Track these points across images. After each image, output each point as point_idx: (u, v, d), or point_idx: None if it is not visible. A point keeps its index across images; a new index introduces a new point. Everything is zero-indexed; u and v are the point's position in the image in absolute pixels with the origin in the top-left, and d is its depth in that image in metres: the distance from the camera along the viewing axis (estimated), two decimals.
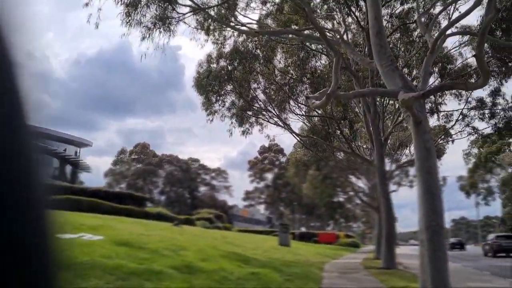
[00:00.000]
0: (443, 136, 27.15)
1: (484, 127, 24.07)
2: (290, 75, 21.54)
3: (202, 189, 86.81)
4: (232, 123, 21.05)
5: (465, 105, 22.35)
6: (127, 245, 9.68)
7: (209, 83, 18.24)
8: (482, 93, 22.13)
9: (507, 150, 42.96)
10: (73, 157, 43.71)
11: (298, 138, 22.50)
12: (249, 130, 22.73)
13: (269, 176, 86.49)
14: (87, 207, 18.86)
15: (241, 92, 19.26)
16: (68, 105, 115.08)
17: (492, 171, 47.67)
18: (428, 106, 25.59)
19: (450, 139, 24.46)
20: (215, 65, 19.59)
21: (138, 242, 10.53)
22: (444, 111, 24.65)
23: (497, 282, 12.92)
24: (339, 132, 19.77)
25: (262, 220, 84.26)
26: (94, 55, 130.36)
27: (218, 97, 19.36)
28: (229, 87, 19.41)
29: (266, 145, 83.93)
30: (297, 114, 21.70)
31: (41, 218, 0.71)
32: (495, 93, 21.63)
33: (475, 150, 50.17)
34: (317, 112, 21.07)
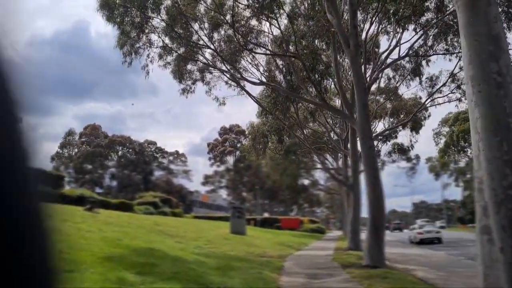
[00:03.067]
0: (421, 107, 23.31)
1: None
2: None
3: (159, 173, 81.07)
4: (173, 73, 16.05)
5: (458, 61, 18.17)
6: None
7: (123, 5, 13.08)
8: None
9: None
10: None
11: (254, 99, 17.83)
12: (191, 88, 17.84)
13: (230, 159, 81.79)
14: None
15: (176, 31, 14.20)
16: (21, 88, 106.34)
17: (465, 151, 44.94)
18: (409, 66, 21.65)
19: (435, 104, 20.42)
20: None
21: None
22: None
23: None
24: (306, 76, 15.07)
25: (224, 206, 79.74)
26: (50, 36, 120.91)
27: (140, 33, 14.21)
28: (157, 20, 14.29)
29: (227, 125, 79.00)
30: (254, 66, 16.92)
31: None
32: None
33: (445, 129, 47.47)
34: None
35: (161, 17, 13.93)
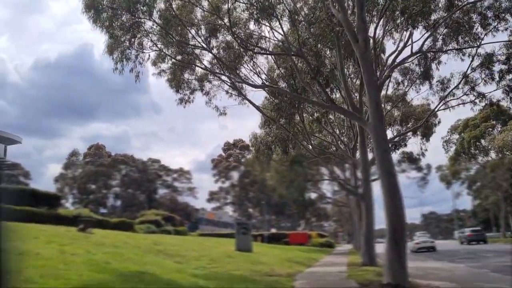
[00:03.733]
0: (431, 113, 22.21)
1: (490, 90, 18.81)
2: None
3: (163, 191, 79.94)
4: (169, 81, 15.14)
5: (472, 61, 17.04)
6: None
7: (111, 7, 12.22)
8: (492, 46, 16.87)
9: (494, 133, 38.87)
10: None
11: (256, 106, 16.82)
12: (189, 98, 16.91)
13: (235, 175, 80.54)
14: None
15: (171, 33, 13.30)
16: (25, 111, 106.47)
17: (476, 158, 43.58)
18: (418, 70, 20.65)
19: (448, 107, 19.25)
20: None
21: None
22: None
23: None
24: (312, 76, 13.95)
25: (230, 223, 78.24)
26: (53, 60, 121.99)
27: (131, 38, 13.31)
28: (149, 24, 13.41)
29: (231, 141, 78.05)
30: (255, 73, 15.98)
31: None
32: None
33: (455, 136, 46.18)
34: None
35: (154, 20, 13.09)
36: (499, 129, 39.67)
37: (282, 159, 21.54)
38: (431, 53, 18.22)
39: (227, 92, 17.98)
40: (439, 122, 27.87)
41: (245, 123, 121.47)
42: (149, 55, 14.46)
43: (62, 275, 6.11)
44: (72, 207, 79.02)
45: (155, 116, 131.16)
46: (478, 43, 16.29)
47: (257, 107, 17.45)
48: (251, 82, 15.63)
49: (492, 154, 42.02)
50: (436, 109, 18.82)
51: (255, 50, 15.47)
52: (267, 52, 15.54)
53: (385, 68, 15.25)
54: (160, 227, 28.20)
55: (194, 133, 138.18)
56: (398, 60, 15.56)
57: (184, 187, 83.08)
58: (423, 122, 20.58)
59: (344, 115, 18.80)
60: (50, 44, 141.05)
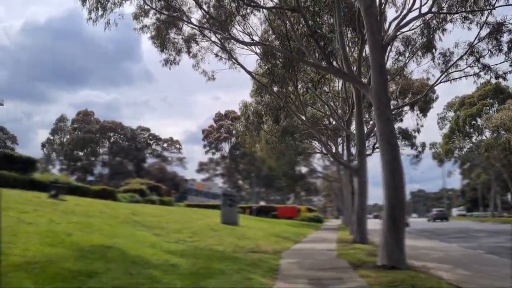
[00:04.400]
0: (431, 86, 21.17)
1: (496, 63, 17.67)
2: None
3: (152, 160, 78.87)
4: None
5: (480, 30, 15.83)
6: None
7: None
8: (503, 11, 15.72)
9: (491, 112, 38.02)
10: None
11: (247, 70, 15.62)
12: (175, 59, 15.63)
13: (226, 146, 79.59)
14: None
15: None
16: (14, 74, 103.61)
17: (470, 137, 42.90)
18: (420, 41, 19.45)
19: (449, 80, 18.19)
20: None
21: None
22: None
23: None
24: (308, 33, 12.66)
25: (219, 194, 77.78)
26: (43, 23, 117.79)
27: None
28: None
29: (222, 112, 76.63)
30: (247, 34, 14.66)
31: None
32: None
33: (451, 114, 45.36)
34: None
35: None
36: (495, 108, 38.87)
37: (273, 130, 20.47)
38: (437, 20, 17.04)
39: (216, 55, 16.74)
40: (436, 98, 27.00)
41: (239, 95, 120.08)
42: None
43: (4, 251, 5.08)
44: (59, 173, 77.89)
45: (147, 86, 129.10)
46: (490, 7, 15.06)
47: (249, 72, 16.25)
48: (243, 42, 14.33)
49: (487, 133, 41.37)
50: (438, 81, 17.72)
51: (251, 3, 14.06)
52: (262, 6, 14.16)
53: (387, 34, 14.04)
54: (145, 196, 27.27)
55: (187, 104, 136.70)
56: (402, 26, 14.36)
57: (173, 157, 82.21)
58: (424, 95, 19.52)
59: (343, 79, 17.58)
60: (40, 7, 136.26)
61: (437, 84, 18.18)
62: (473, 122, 39.55)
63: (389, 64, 22.34)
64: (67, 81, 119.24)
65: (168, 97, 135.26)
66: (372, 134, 20.22)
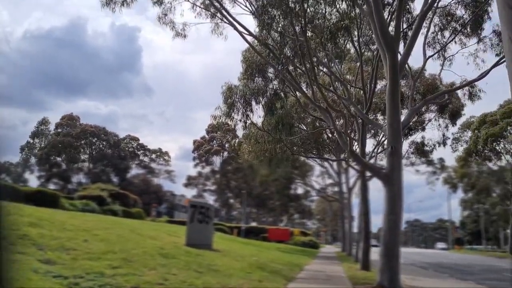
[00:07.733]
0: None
1: None
2: None
3: (138, 171, 73.39)
4: None
5: None
6: None
7: None
8: None
9: None
10: None
11: (233, 25, 10.64)
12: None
13: (217, 160, 74.28)
14: None
15: None
16: (13, 81, 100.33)
17: (490, 160, 37.90)
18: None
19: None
20: None
21: None
22: None
23: None
24: None
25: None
26: (45, 31, 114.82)
27: None
28: None
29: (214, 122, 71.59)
30: None
31: None
32: None
33: (468, 134, 40.38)
34: None
35: None
36: None
37: (265, 123, 15.22)
38: None
39: (193, 4, 11.80)
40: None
41: None
42: None
43: None
44: (37, 180, 72.25)
45: (146, 99, 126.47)
46: None
47: (240, 32, 11.31)
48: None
49: (508, 157, 36.51)
50: (496, 64, 12.75)
51: None
52: None
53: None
54: (104, 205, 21.93)
55: (185, 120, 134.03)
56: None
57: (161, 169, 77.04)
58: (471, 81, 14.31)
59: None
60: (43, 14, 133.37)
61: (492, 68, 13.16)
62: (496, 142, 34.63)
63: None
64: (65, 91, 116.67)
65: (166, 112, 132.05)
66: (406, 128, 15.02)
